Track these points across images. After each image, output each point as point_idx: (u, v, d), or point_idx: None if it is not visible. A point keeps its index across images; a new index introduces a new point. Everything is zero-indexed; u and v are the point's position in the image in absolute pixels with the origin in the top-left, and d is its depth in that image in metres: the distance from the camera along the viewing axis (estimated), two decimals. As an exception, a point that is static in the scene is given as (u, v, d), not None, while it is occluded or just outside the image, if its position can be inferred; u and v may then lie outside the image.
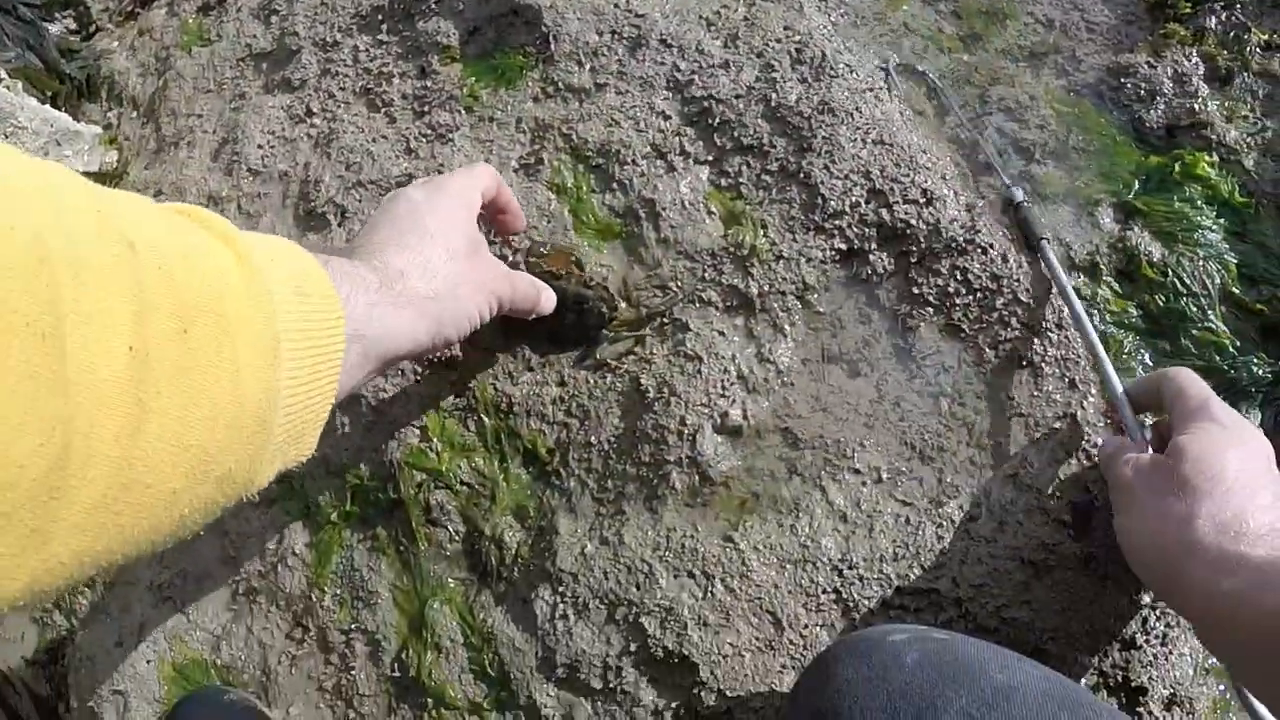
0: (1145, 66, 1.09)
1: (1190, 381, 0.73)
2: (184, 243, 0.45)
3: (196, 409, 0.42)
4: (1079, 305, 0.87)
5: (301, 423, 0.53)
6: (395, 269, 0.66)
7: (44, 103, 1.24)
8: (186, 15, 1.24)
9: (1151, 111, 1.07)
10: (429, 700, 0.86)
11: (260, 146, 1.06)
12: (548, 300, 0.83)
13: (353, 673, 0.89)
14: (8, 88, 1.22)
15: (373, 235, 0.69)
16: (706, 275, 0.91)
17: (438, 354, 0.80)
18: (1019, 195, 0.98)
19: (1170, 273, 0.97)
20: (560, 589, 0.84)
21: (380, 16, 1.10)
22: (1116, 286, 0.97)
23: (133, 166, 1.16)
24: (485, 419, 0.89)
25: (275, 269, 0.51)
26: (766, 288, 0.91)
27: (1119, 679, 0.82)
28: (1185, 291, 0.96)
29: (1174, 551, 0.62)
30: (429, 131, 1.01)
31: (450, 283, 0.69)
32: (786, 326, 0.90)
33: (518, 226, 0.86)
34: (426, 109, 1.02)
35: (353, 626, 0.89)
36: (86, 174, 1.19)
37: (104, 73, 1.27)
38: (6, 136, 1.20)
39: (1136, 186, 1.03)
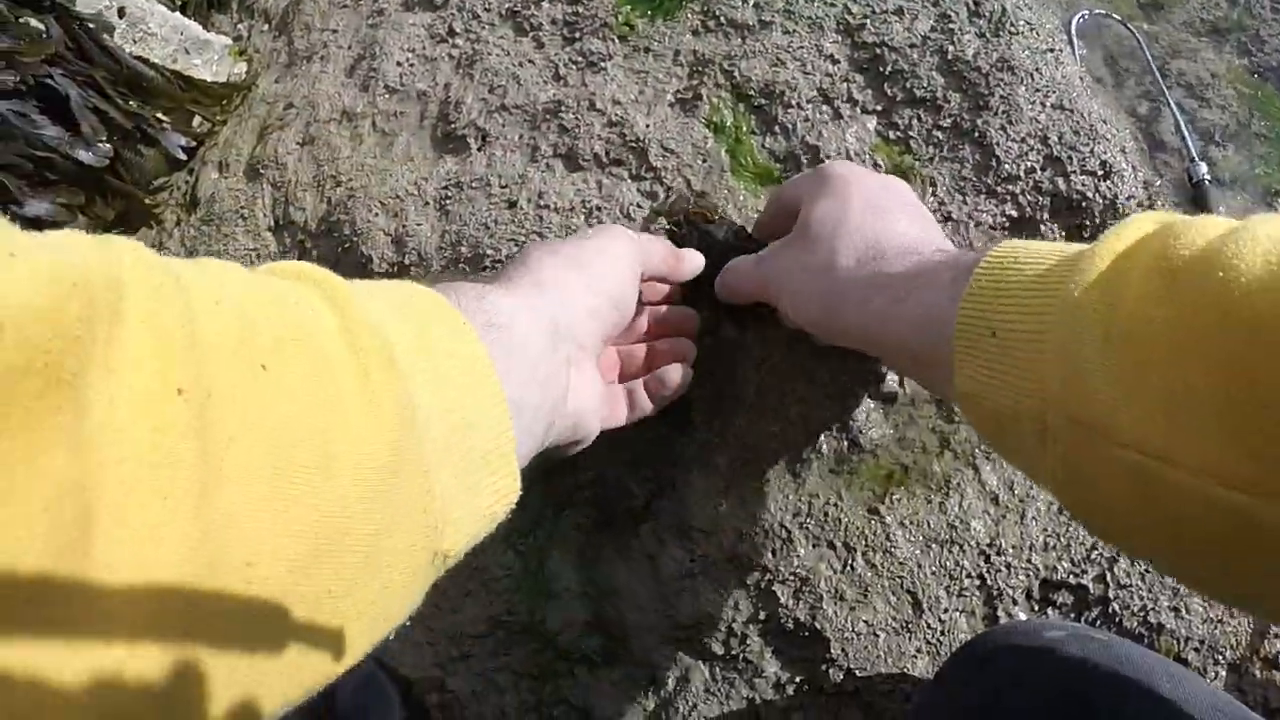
0: (1342, 51, 1.01)
1: (795, 180, 0.72)
2: (246, 278, 0.37)
3: (294, 455, 0.32)
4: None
5: (471, 449, 0.43)
6: (498, 276, 0.59)
7: (173, 10, 1.22)
8: (327, -73, 1.20)
9: (1347, 99, 0.99)
10: (541, 647, 0.83)
11: (399, 64, 1.03)
12: (691, 264, 0.74)
13: (459, 615, 0.86)
14: (138, -8, 1.20)
15: None
16: (867, 232, 0.86)
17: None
18: (1202, 173, 0.91)
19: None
20: (690, 546, 0.80)
21: (530, -62, 1.05)
22: (1298, 283, 0.90)
23: (262, 79, 1.13)
24: (622, 363, 0.85)
25: (369, 295, 0.42)
26: (930, 250, 0.85)
27: (1259, 697, 0.77)
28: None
29: (831, 300, 0.60)
30: (579, 59, 0.96)
31: (565, 255, 0.62)
32: (948, 293, 0.84)
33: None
34: (577, 35, 0.98)
35: (469, 566, 0.86)
36: (214, 84, 1.16)
37: (235, -18, 1.24)
38: (136, 42, 1.18)
39: (1321, 180, 0.96)
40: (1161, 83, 0.99)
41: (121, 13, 1.17)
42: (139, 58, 1.14)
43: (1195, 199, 0.93)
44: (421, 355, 0.41)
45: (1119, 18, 1.04)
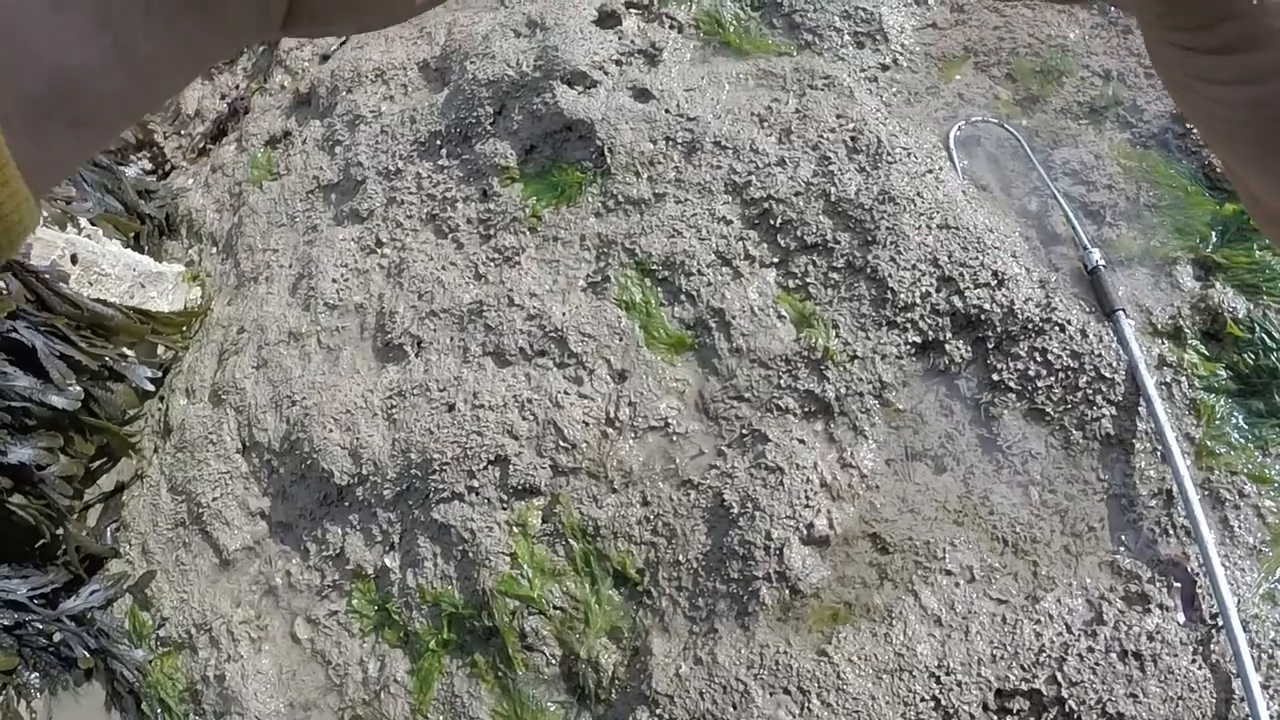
0: (1212, 116, 1.06)
1: None
2: None
3: None
4: (1150, 386, 0.86)
5: None
6: None
7: (127, 245, 1.29)
8: (255, 149, 1.28)
9: (1222, 163, 1.04)
10: (539, 827, 0.87)
11: (334, 280, 1.10)
12: None
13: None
14: (89, 236, 1.28)
15: None
16: (782, 382, 0.91)
17: None
18: (1095, 260, 0.96)
19: (1257, 327, 0.94)
20: (657, 711, 0.85)
21: (439, 141, 1.12)
22: (1203, 349, 0.95)
23: (216, 303, 1.21)
24: (573, 543, 0.90)
25: None
26: (843, 390, 0.90)
27: (1237, 762, 0.80)
28: (1275, 346, 0.93)
29: None
30: (495, 255, 1.03)
31: None
32: (867, 428, 0.89)
33: None
34: (491, 232, 1.05)
35: (459, 755, 0.90)
36: (172, 313, 1.24)
37: (181, 210, 1.33)
38: (92, 284, 1.25)
39: (1214, 239, 1.00)
40: (1046, 176, 1.05)
41: (74, 259, 1.24)
42: (98, 299, 1.22)
43: (1093, 285, 0.98)
44: None
45: (996, 120, 1.10)
